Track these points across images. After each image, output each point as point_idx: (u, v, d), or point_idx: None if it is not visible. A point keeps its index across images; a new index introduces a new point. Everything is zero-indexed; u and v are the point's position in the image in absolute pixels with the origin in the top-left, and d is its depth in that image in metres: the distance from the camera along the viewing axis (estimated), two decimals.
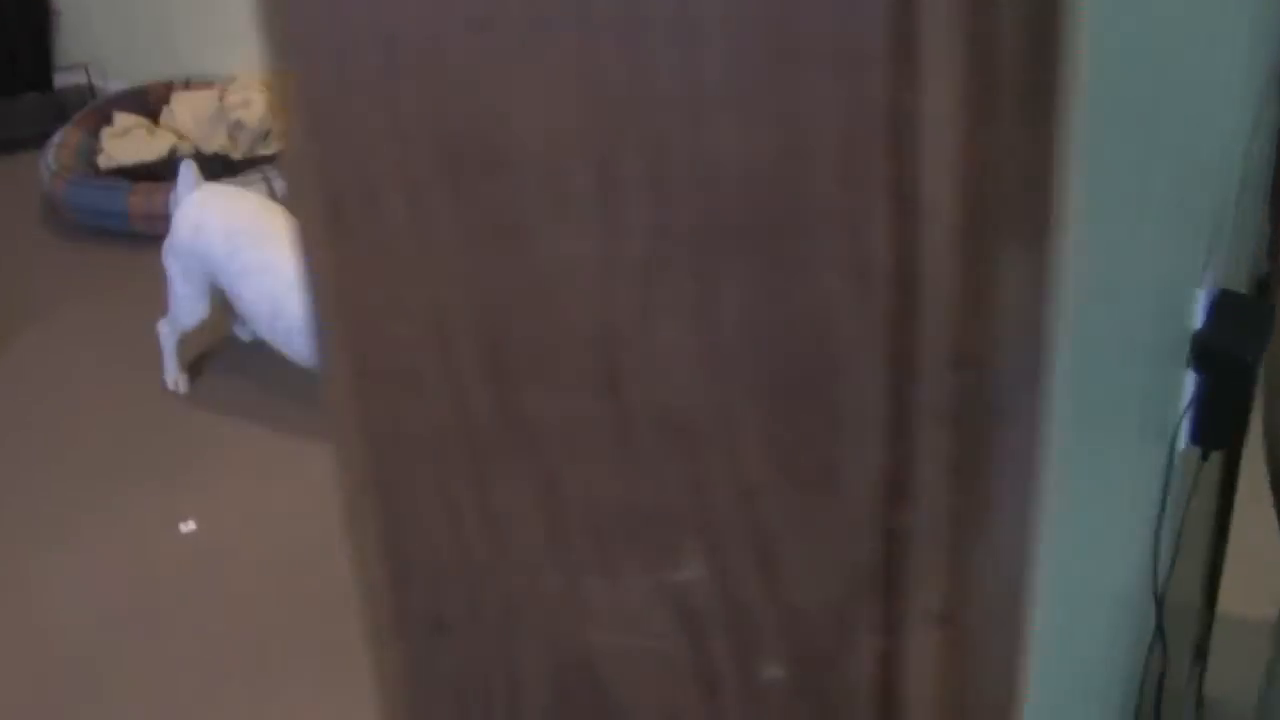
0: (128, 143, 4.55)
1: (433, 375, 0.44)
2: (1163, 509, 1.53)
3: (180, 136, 4.59)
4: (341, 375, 0.47)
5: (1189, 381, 1.52)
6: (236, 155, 4.50)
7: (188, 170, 3.46)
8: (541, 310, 0.42)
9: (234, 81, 4.67)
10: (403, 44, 0.39)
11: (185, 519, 3.17)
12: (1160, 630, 1.73)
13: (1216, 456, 2.06)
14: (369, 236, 0.43)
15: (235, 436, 3.44)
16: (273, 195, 4.20)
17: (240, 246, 3.28)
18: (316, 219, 0.43)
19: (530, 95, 0.39)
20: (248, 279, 3.27)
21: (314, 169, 0.43)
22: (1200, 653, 2.53)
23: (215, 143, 4.55)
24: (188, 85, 4.76)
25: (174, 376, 3.55)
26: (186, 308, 3.44)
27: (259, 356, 3.69)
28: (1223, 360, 1.47)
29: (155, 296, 3.98)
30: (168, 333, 3.51)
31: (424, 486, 0.47)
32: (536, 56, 0.39)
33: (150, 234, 4.13)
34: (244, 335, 3.69)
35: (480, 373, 0.43)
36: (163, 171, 4.34)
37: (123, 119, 4.64)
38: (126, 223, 4.19)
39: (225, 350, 3.73)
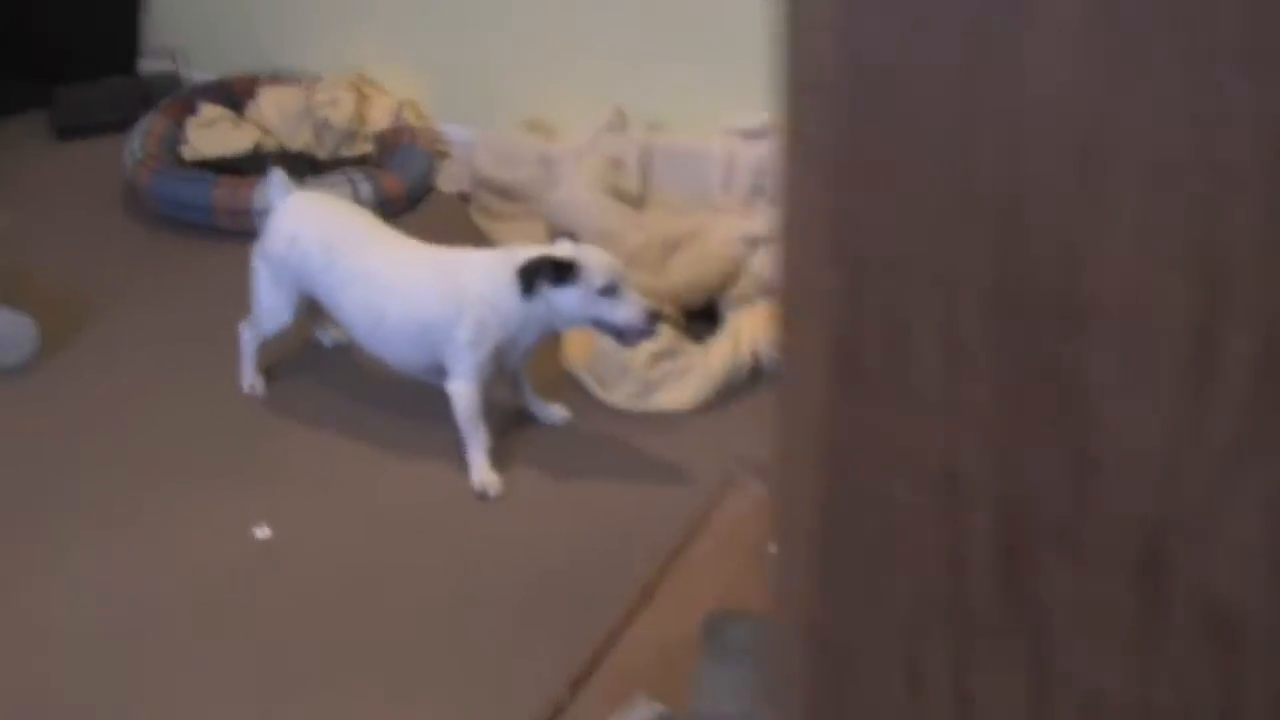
0: (212, 134, 4.52)
1: (929, 542, 0.39)
2: None
3: (265, 132, 4.56)
4: (809, 523, 0.42)
5: None
6: (321, 155, 4.46)
7: (279, 176, 3.41)
8: (1085, 484, 0.37)
9: (321, 80, 4.64)
10: (980, 184, 0.35)
11: (259, 524, 3.12)
12: None
13: None
14: (883, 384, 0.38)
15: (312, 443, 3.40)
16: (356, 199, 4.17)
17: (338, 257, 3.25)
18: (817, 355, 0.39)
19: (1126, 247, 0.34)
20: (347, 289, 3.25)
21: (826, 301, 0.38)
22: None
23: (300, 140, 4.52)
24: (274, 80, 4.73)
25: (250, 380, 3.52)
26: (271, 315, 3.41)
27: (339, 362, 3.65)
28: None
29: (236, 293, 3.93)
30: (249, 337, 3.49)
31: (887, 655, 0.42)
32: (1144, 206, 0.34)
33: (232, 229, 4.11)
34: (326, 341, 3.65)
35: (990, 544, 0.38)
36: (247, 166, 4.31)
37: (208, 110, 4.61)
38: (210, 216, 4.15)
39: (306, 355, 3.69)
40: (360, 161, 4.41)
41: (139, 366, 3.69)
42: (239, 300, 3.67)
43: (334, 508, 3.20)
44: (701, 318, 3.76)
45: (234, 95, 4.72)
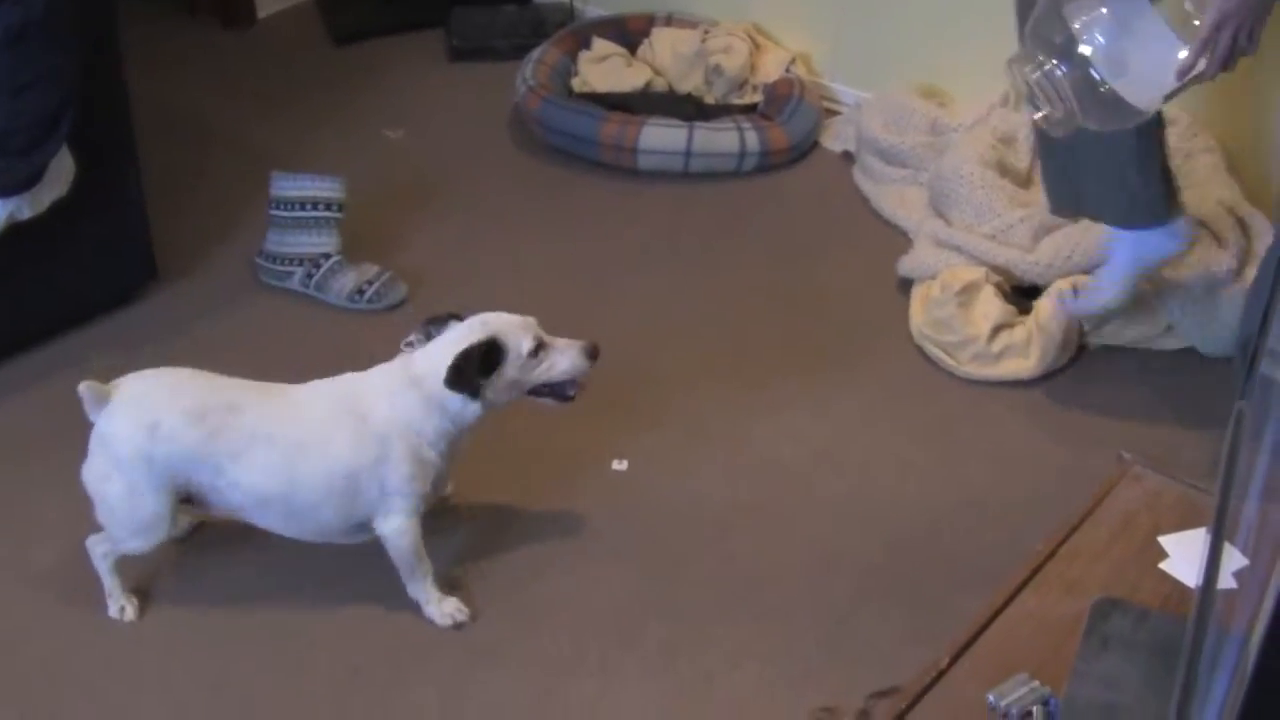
0: (604, 70, 4.55)
1: None
2: None
3: (656, 72, 4.57)
4: None
5: None
6: (709, 100, 4.46)
7: (89, 390, 2.63)
8: None
9: (716, 25, 4.64)
10: None
11: (620, 458, 3.16)
12: None
13: None
14: None
15: (683, 392, 3.41)
16: (742, 147, 4.16)
17: (219, 426, 2.64)
18: None
19: None
20: (241, 459, 2.65)
21: None
22: None
23: (690, 83, 4.52)
24: (669, 21, 4.74)
25: (120, 603, 2.82)
26: (149, 528, 2.72)
27: (731, 318, 3.66)
28: None
29: (612, 226, 4.01)
30: (104, 554, 2.79)
31: None
32: None
33: (615, 164, 4.18)
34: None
35: None
36: (636, 104, 4.33)
37: (601, 45, 4.65)
38: (595, 150, 4.19)
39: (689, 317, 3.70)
40: (747, 110, 4.39)
41: (511, 288, 3.75)
42: (609, 233, 3.81)
43: (692, 454, 3.22)
44: (1026, 293, 3.65)
45: (628, 33, 4.75)
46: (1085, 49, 2.49)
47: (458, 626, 2.77)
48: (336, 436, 2.66)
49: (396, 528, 2.71)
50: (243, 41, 5.10)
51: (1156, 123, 3.08)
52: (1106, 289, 3.37)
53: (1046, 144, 3.25)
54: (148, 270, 3.68)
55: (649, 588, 2.85)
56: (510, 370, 2.67)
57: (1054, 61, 2.51)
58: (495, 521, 3.01)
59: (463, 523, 3.00)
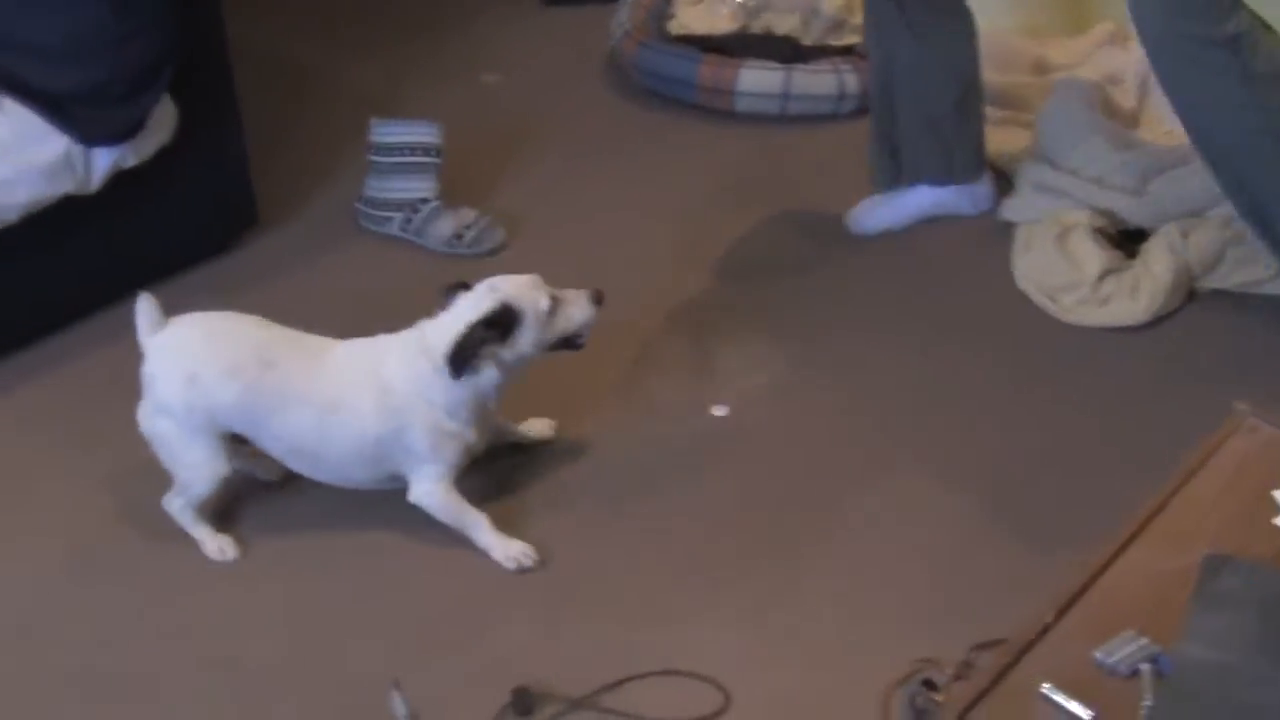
0: (700, 12, 4.52)
1: None
2: None
3: (752, 13, 4.54)
4: None
5: None
6: (806, 41, 4.41)
7: (147, 305, 2.74)
8: None
9: None
10: None
11: (720, 403, 3.14)
12: None
13: None
14: None
15: (784, 335, 3.39)
16: (841, 89, 4.12)
17: (255, 382, 2.69)
18: None
19: None
20: (278, 414, 2.72)
21: None
22: None
23: (787, 24, 4.47)
24: None
25: (216, 545, 2.81)
26: (203, 472, 2.74)
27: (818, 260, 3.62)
28: None
29: (712, 168, 3.98)
30: (181, 507, 2.79)
31: None
32: None
33: (713, 107, 4.17)
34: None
35: None
36: (733, 46, 4.30)
37: None
38: (693, 93, 4.17)
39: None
40: (845, 51, 4.33)
41: (606, 232, 3.76)
42: (706, 176, 3.84)
43: (798, 398, 3.20)
44: (1133, 237, 3.58)
45: None
46: None
47: (523, 570, 2.74)
48: (363, 403, 2.69)
49: (425, 492, 2.76)
50: None
51: (975, 88, 3.59)
52: (885, 217, 3.69)
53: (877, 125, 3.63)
54: (249, 216, 3.70)
55: (744, 536, 2.83)
56: (530, 331, 2.69)
57: None
58: (590, 466, 3.01)
59: (553, 468, 3.00)
